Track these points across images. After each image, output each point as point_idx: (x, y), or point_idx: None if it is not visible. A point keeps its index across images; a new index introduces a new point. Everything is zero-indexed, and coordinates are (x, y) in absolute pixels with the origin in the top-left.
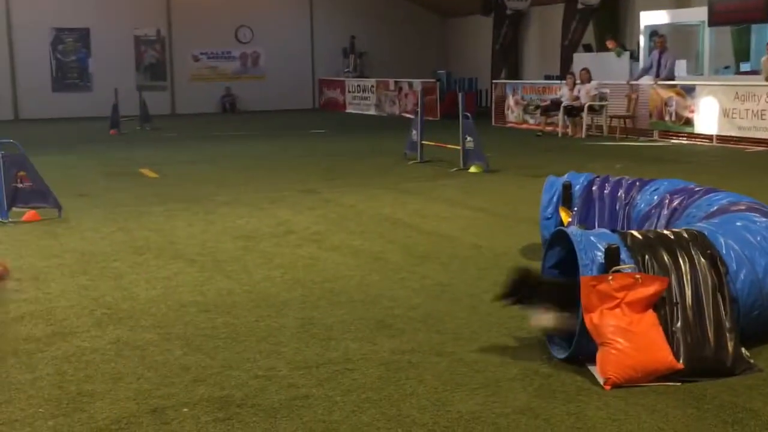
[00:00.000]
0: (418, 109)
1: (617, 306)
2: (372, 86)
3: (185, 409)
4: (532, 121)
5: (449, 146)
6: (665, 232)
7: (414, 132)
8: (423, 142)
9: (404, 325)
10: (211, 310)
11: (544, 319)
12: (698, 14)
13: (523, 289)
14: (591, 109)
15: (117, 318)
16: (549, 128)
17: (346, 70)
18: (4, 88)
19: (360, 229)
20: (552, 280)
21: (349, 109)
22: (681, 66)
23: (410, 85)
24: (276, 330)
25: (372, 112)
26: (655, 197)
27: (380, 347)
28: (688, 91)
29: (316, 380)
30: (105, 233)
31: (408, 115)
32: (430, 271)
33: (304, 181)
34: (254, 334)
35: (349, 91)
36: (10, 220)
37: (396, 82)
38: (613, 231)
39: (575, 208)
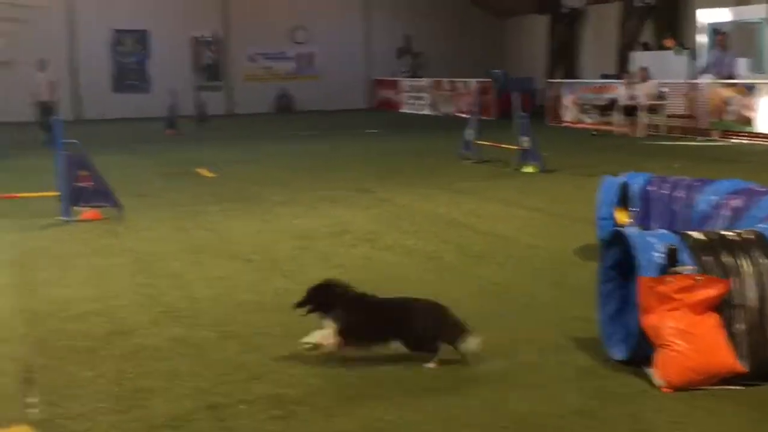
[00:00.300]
0: (474, 109)
1: (677, 308)
2: (427, 86)
3: (242, 407)
4: (588, 121)
5: (504, 146)
6: (727, 233)
7: (469, 132)
8: (478, 141)
9: None
10: (268, 310)
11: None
12: (759, 11)
13: (320, 299)
14: (649, 108)
15: (175, 316)
16: (606, 127)
17: (403, 70)
18: (66, 89)
19: (414, 229)
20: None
21: (404, 109)
22: (742, 64)
23: (465, 84)
24: None
25: (427, 111)
26: (716, 198)
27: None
28: (749, 89)
29: (373, 380)
30: (163, 232)
31: (463, 115)
32: (485, 271)
33: (359, 181)
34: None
35: (404, 91)
36: (72, 218)
37: (451, 82)
38: (674, 232)
39: (634, 209)
